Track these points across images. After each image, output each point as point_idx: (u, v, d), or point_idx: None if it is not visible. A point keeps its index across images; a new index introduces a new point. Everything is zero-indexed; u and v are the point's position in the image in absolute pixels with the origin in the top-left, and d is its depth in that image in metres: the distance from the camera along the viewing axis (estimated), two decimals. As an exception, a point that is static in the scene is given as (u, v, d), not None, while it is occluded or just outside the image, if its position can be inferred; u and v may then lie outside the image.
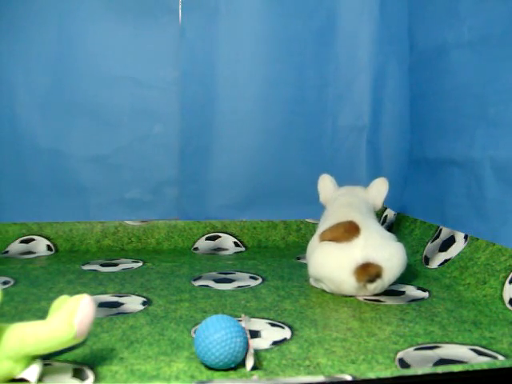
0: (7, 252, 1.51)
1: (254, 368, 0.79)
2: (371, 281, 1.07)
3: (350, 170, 1.67)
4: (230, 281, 1.24)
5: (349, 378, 0.70)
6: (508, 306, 1.01)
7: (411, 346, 0.87)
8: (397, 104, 1.61)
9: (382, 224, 1.58)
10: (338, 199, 1.28)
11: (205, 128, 1.61)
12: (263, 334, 0.92)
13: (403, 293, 1.14)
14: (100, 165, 1.59)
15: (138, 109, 1.58)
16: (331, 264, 1.09)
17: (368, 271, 1.07)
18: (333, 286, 1.11)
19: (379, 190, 1.32)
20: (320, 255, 1.11)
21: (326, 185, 1.36)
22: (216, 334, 0.78)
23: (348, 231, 1.11)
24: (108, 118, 1.57)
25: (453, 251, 1.24)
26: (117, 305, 1.07)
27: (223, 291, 1.16)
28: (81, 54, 1.55)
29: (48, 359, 0.82)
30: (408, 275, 1.19)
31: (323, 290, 1.14)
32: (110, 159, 1.59)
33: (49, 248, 1.55)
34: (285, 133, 1.64)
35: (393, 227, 1.54)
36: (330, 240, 1.12)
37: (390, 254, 1.09)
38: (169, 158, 1.61)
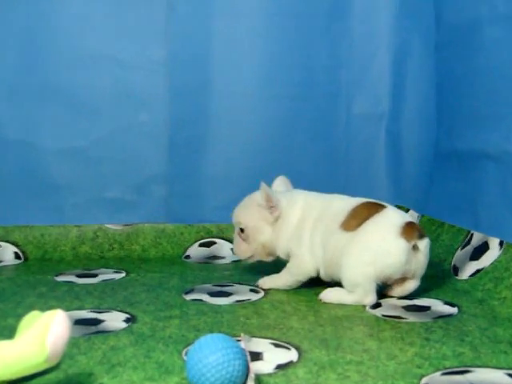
0: (-32, 260, 1.52)
1: (255, 396, 0.79)
2: (421, 236, 1.15)
3: (365, 165, 1.67)
4: (228, 294, 1.24)
5: (365, 407, 0.69)
6: (550, 323, 1.01)
7: (438, 370, 0.87)
8: (421, 88, 1.60)
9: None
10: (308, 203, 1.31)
11: (198, 116, 1.61)
12: (266, 355, 0.92)
13: (428, 308, 1.14)
14: (76, 159, 1.59)
15: (120, 93, 1.58)
16: (375, 238, 1.14)
17: (414, 227, 1.16)
18: (379, 267, 1.13)
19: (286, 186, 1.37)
20: (360, 241, 1.15)
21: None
22: (211, 356, 0.78)
23: (372, 208, 1.19)
24: (85, 104, 1.58)
25: (486, 260, 1.24)
26: (96, 322, 1.07)
27: (219, 306, 1.16)
28: (53, 30, 1.55)
29: (16, 385, 0.82)
30: (434, 287, 1.19)
31: (340, 305, 1.15)
32: (88, 152, 1.59)
33: (17, 256, 1.56)
34: (290, 122, 1.64)
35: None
36: (356, 225, 1.18)
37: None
38: (156, 150, 1.61)
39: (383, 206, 1.20)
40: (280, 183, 1.38)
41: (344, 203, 1.25)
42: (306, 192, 1.34)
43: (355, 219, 1.19)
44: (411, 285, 1.18)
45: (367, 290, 1.15)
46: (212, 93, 1.61)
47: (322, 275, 1.25)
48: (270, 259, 1.33)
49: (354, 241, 1.16)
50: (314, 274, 1.26)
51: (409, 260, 1.14)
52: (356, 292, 1.16)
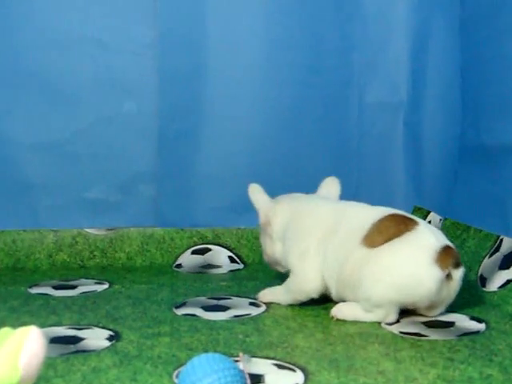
0: None
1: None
2: (457, 264, 1.13)
3: (381, 161, 1.67)
4: (224, 308, 1.24)
5: None
6: None
7: (463, 394, 0.88)
8: (444, 74, 1.60)
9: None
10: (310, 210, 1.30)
11: (191, 106, 1.62)
12: (268, 378, 0.92)
13: (452, 324, 1.14)
14: (52, 154, 1.59)
15: (102, 80, 1.59)
16: (406, 262, 1.12)
17: (451, 253, 1.13)
18: (407, 295, 1.12)
19: (330, 192, 1.34)
20: (388, 261, 1.13)
21: (263, 198, 1.37)
22: (206, 378, 0.78)
23: (401, 223, 1.16)
24: (63, 92, 1.58)
25: (518, 269, 1.24)
26: (75, 340, 1.07)
27: (215, 322, 1.16)
28: (26, 8, 1.55)
29: (-15, 412, 0.82)
30: (458, 300, 1.19)
31: (352, 321, 1.15)
32: (66, 147, 1.59)
33: (-15, 264, 1.56)
34: (296, 112, 1.64)
35: (439, 237, 1.54)
36: (382, 240, 1.15)
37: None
38: (143, 144, 1.61)
39: (415, 222, 1.16)
40: (328, 187, 1.35)
41: (365, 214, 1.21)
42: (312, 198, 1.33)
43: (381, 235, 1.16)
44: (435, 311, 1.17)
45: (388, 311, 1.14)
46: (207, 79, 1.61)
47: (334, 296, 1.22)
48: (283, 270, 1.33)
49: (379, 259, 1.14)
50: (315, 296, 1.23)
51: (440, 290, 1.13)
52: (375, 312, 1.15)
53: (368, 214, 1.21)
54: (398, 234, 1.14)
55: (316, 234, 1.24)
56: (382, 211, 1.20)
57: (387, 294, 1.13)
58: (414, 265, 1.12)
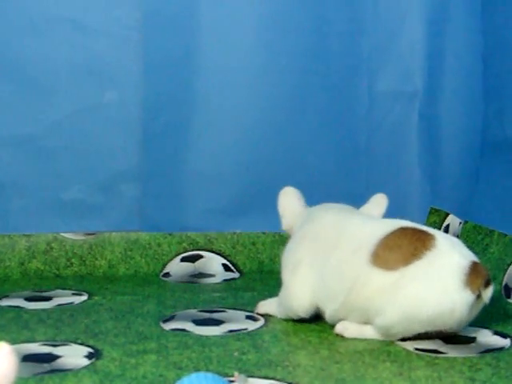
0: None
1: None
2: (488, 283, 1.11)
3: (393, 157, 1.67)
4: (218, 322, 1.24)
5: None
6: None
7: (485, 418, 0.88)
8: (464, 59, 1.61)
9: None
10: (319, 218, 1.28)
11: (179, 95, 1.62)
12: (266, 400, 0.92)
13: (473, 340, 1.14)
14: (25, 150, 1.59)
15: (80, 67, 1.59)
16: (432, 291, 1.10)
17: (480, 272, 1.11)
18: (434, 326, 1.11)
19: (372, 209, 1.33)
20: (408, 289, 1.11)
21: (291, 203, 1.36)
22: (197, 401, 0.78)
23: (417, 238, 1.14)
24: (36, 80, 1.58)
25: (547, 278, 1.25)
26: (50, 358, 1.07)
27: (207, 338, 1.16)
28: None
29: None
30: (481, 313, 1.18)
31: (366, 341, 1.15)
32: (40, 141, 1.59)
33: (-51, 273, 1.56)
34: (298, 102, 1.64)
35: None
36: (397, 261, 1.12)
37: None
38: (127, 139, 1.61)
39: (431, 237, 1.14)
40: (373, 203, 1.33)
41: (371, 226, 1.20)
42: (334, 209, 1.30)
43: (393, 253, 1.13)
44: (457, 329, 1.15)
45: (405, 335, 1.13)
46: (198, 66, 1.62)
47: (328, 317, 1.20)
48: None
49: (402, 287, 1.11)
50: (303, 315, 1.22)
51: (471, 314, 1.12)
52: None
53: (375, 227, 1.19)
54: (416, 254, 1.12)
55: (312, 246, 1.23)
56: (390, 224, 1.18)
57: (411, 326, 1.12)
58: (443, 293, 1.10)
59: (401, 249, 1.13)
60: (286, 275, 1.25)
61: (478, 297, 1.11)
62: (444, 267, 1.11)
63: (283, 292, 1.25)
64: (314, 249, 1.23)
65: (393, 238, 1.15)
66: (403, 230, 1.16)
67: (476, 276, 1.10)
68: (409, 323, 1.11)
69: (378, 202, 1.32)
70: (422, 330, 1.11)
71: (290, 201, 1.35)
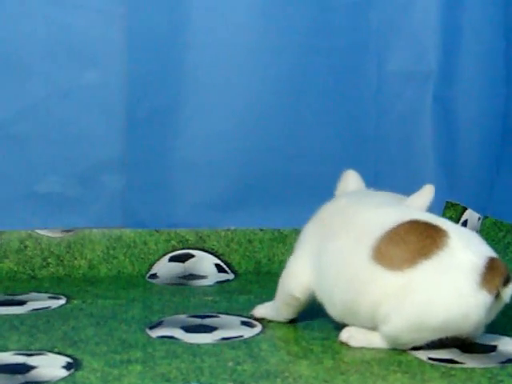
0: None
1: None
2: (507, 280, 1.10)
3: (405, 145, 1.67)
4: (210, 329, 1.25)
5: None
6: None
7: None
8: (483, 36, 1.61)
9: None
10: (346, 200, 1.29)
11: (167, 76, 1.62)
12: (264, 416, 0.93)
13: (494, 348, 1.14)
14: (-6, 137, 1.60)
15: (57, 45, 1.59)
16: (443, 295, 1.09)
17: (498, 269, 1.10)
18: (448, 333, 1.11)
19: (416, 202, 1.32)
20: (418, 295, 1.10)
21: (347, 187, 1.36)
22: (187, 418, 0.79)
23: (426, 233, 1.13)
24: (8, 60, 1.58)
25: None
26: (24, 369, 1.07)
27: (198, 346, 1.16)
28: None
29: None
30: (501, 319, 1.19)
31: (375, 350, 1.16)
32: (12, 128, 1.60)
33: None
34: (298, 83, 1.65)
35: (477, 239, 1.55)
36: (403, 260, 1.12)
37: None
38: (109, 125, 1.62)
39: (443, 234, 1.13)
40: (419, 195, 1.30)
41: (378, 215, 1.19)
42: (360, 193, 1.32)
43: (398, 249, 1.13)
44: (475, 335, 1.16)
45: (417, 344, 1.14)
46: (187, 43, 1.61)
47: (332, 313, 1.21)
48: None
49: (411, 292, 1.11)
50: (299, 295, 1.23)
51: (489, 315, 1.12)
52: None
53: (381, 216, 1.19)
54: (424, 250, 1.11)
55: (318, 231, 1.25)
56: (400, 214, 1.18)
57: (422, 335, 1.12)
58: (455, 297, 1.09)
59: (407, 245, 1.12)
60: (292, 256, 1.27)
61: (497, 296, 1.10)
62: (455, 268, 1.10)
63: (283, 272, 1.27)
64: (318, 234, 1.24)
65: (400, 231, 1.14)
66: (413, 222, 1.15)
67: (493, 274, 1.09)
68: (418, 332, 1.11)
69: (422, 193, 1.29)
70: (435, 338, 1.12)
71: (347, 185, 1.35)
